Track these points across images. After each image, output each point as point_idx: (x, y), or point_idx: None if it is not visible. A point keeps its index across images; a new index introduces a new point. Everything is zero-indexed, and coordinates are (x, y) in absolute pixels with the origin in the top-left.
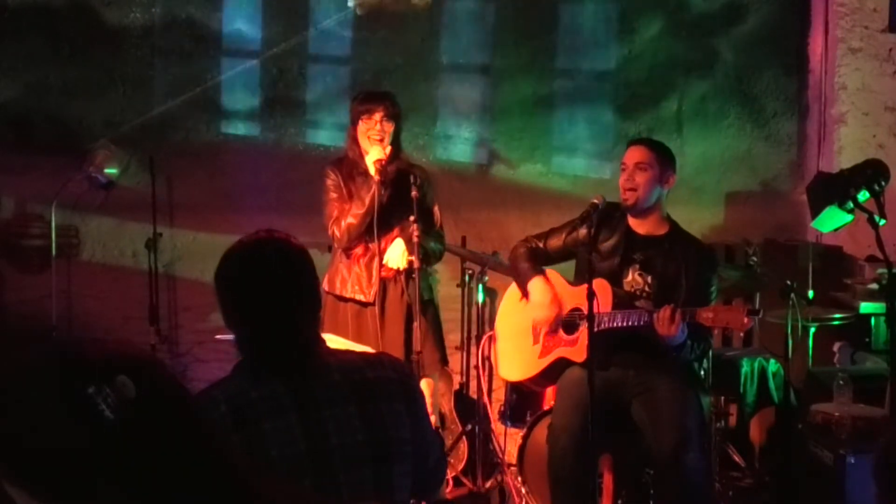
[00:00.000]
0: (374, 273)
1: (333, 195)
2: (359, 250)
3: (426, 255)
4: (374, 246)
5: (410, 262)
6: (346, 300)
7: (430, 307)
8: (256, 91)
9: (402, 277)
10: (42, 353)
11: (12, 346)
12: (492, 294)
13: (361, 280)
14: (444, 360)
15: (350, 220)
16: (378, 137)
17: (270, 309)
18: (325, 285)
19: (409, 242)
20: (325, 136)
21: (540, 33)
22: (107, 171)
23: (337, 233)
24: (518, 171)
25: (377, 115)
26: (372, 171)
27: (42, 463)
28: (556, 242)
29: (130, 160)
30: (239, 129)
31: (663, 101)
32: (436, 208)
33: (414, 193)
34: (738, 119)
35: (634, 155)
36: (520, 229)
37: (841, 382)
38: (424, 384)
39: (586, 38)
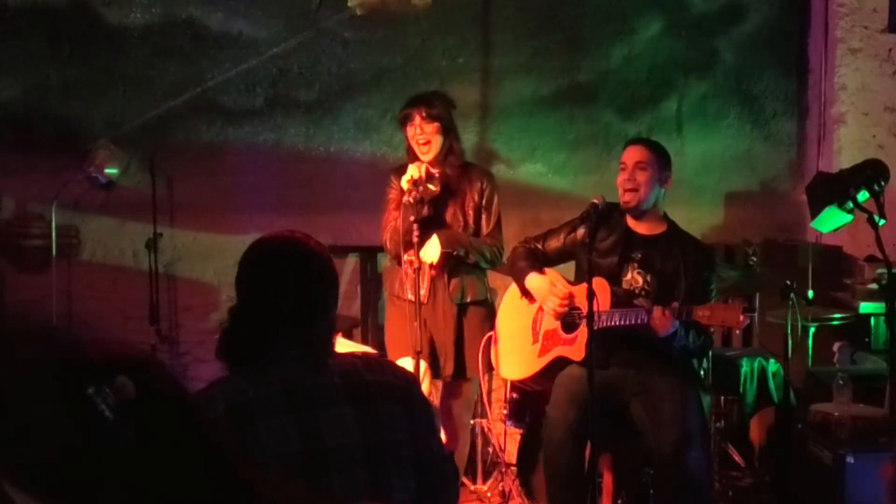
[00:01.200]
0: (425, 277)
1: (390, 204)
2: (406, 257)
3: (481, 253)
4: (412, 257)
5: (446, 255)
6: (402, 299)
7: (473, 309)
8: (256, 91)
9: (447, 277)
10: (42, 354)
11: (12, 347)
12: (492, 294)
13: (413, 282)
14: (459, 372)
15: (389, 237)
16: (423, 141)
17: (282, 306)
18: (385, 284)
19: (450, 238)
20: (325, 136)
21: (540, 33)
22: (107, 170)
23: (386, 243)
24: (518, 171)
25: (416, 119)
26: (404, 186)
27: (42, 463)
28: (555, 243)
29: (131, 160)
30: (239, 129)
31: (663, 102)
32: (493, 210)
33: (413, 193)
34: (737, 119)
35: (634, 154)
36: (520, 229)
37: (840, 382)
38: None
39: (586, 38)
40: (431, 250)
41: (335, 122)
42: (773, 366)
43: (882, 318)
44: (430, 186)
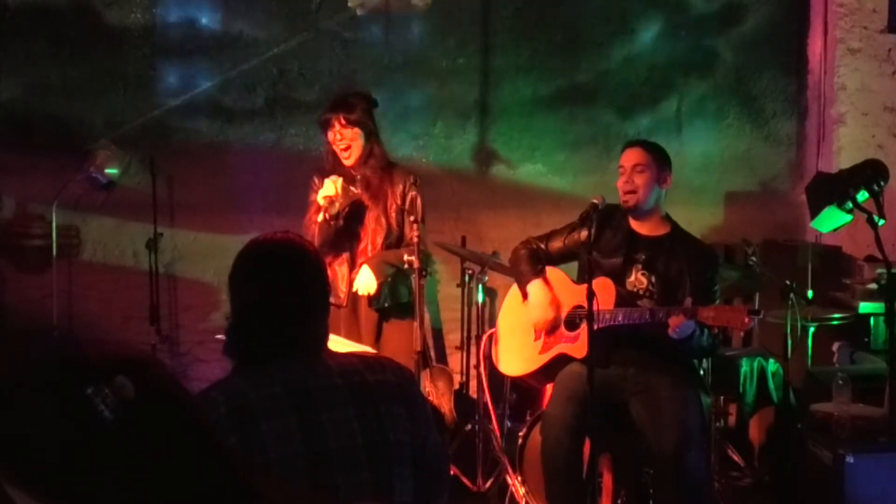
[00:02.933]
0: (345, 278)
1: (311, 206)
2: (329, 258)
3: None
4: (336, 260)
5: (381, 284)
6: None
7: (395, 313)
8: (256, 91)
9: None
10: (41, 354)
11: (12, 347)
12: (492, 294)
13: (335, 285)
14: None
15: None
16: (343, 146)
17: (277, 307)
18: None
19: (379, 265)
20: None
21: (540, 33)
22: (107, 171)
23: None
24: (518, 171)
25: (336, 125)
26: (321, 201)
27: (41, 463)
28: (557, 244)
29: (131, 160)
30: (239, 129)
31: (663, 102)
32: (417, 212)
33: (413, 194)
34: (737, 119)
35: (631, 157)
36: (520, 229)
37: (840, 382)
38: None
39: (586, 39)
40: (366, 283)
41: None
42: (772, 366)
43: (881, 318)
44: (351, 191)
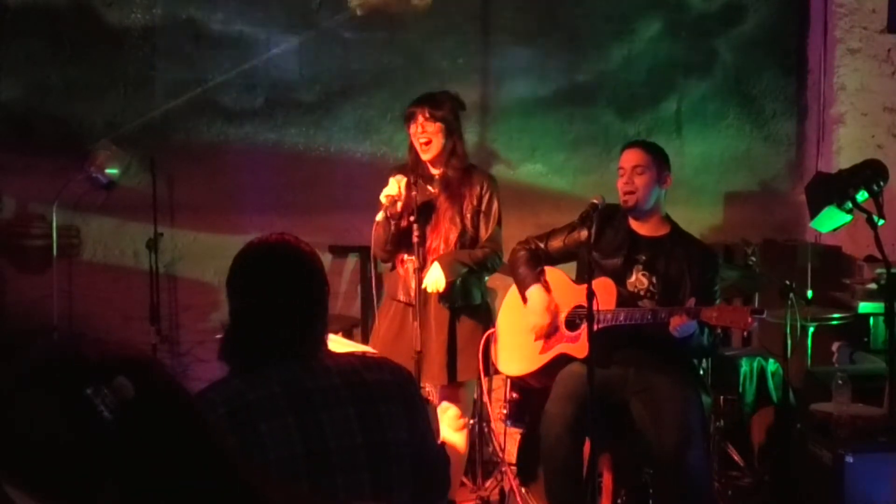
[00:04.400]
0: (416, 277)
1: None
2: (408, 263)
3: (482, 266)
4: (409, 259)
5: (451, 283)
6: (396, 301)
7: (466, 313)
8: (256, 91)
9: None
10: (41, 354)
11: (12, 347)
12: (491, 294)
13: (405, 282)
14: (451, 375)
15: (372, 244)
16: (424, 140)
17: (275, 309)
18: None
19: (451, 264)
20: (325, 136)
21: (540, 33)
22: (108, 171)
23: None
24: (518, 171)
25: (420, 118)
26: (383, 200)
27: (40, 464)
28: (556, 243)
29: (131, 160)
30: (239, 129)
31: (663, 102)
32: (492, 215)
33: (414, 194)
34: (737, 119)
35: (631, 158)
36: (520, 229)
37: (840, 382)
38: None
39: (586, 39)
40: (435, 280)
41: (335, 122)
42: (772, 365)
43: (881, 318)
44: (428, 190)
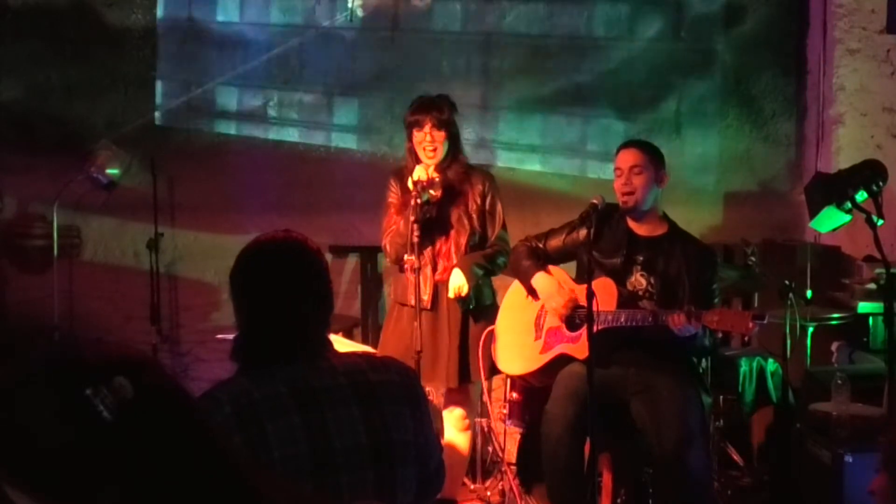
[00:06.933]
0: (428, 280)
1: (390, 208)
2: (407, 264)
3: (497, 265)
4: (421, 259)
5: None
6: (407, 306)
7: (480, 314)
8: (256, 91)
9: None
10: (41, 354)
11: (13, 347)
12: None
13: (417, 287)
14: (464, 376)
15: (389, 241)
16: (431, 148)
17: (281, 307)
18: (389, 290)
19: (470, 270)
20: (324, 136)
21: (539, 34)
22: (108, 171)
23: (386, 247)
24: (518, 171)
25: (427, 126)
26: (411, 186)
27: (40, 464)
28: (556, 243)
29: (132, 160)
30: (239, 129)
31: (662, 102)
32: (497, 213)
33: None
34: (736, 120)
35: (628, 158)
36: (519, 229)
37: (839, 382)
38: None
39: (586, 38)
40: (458, 286)
41: (335, 122)
42: (771, 365)
43: (880, 318)
44: (431, 192)
